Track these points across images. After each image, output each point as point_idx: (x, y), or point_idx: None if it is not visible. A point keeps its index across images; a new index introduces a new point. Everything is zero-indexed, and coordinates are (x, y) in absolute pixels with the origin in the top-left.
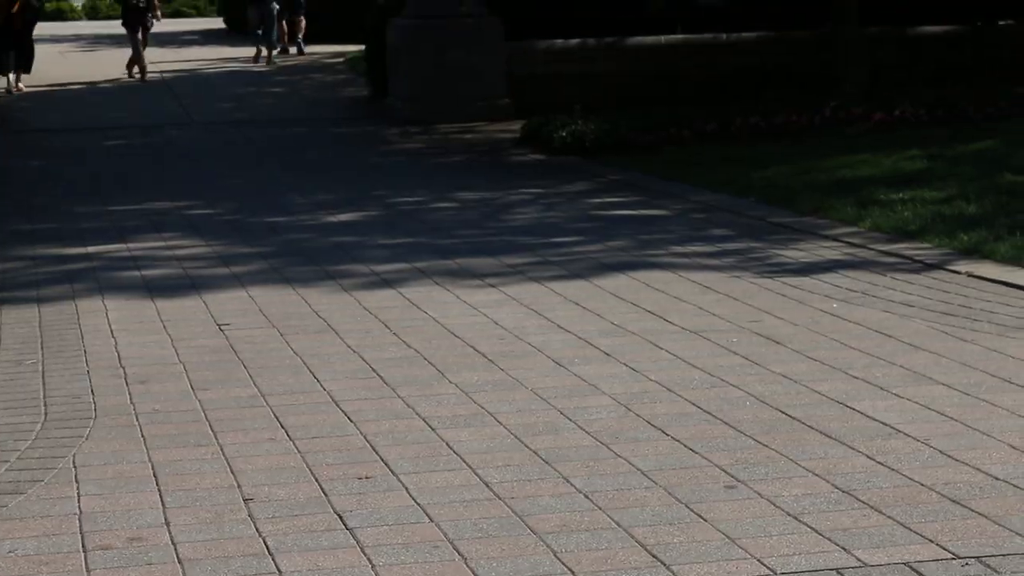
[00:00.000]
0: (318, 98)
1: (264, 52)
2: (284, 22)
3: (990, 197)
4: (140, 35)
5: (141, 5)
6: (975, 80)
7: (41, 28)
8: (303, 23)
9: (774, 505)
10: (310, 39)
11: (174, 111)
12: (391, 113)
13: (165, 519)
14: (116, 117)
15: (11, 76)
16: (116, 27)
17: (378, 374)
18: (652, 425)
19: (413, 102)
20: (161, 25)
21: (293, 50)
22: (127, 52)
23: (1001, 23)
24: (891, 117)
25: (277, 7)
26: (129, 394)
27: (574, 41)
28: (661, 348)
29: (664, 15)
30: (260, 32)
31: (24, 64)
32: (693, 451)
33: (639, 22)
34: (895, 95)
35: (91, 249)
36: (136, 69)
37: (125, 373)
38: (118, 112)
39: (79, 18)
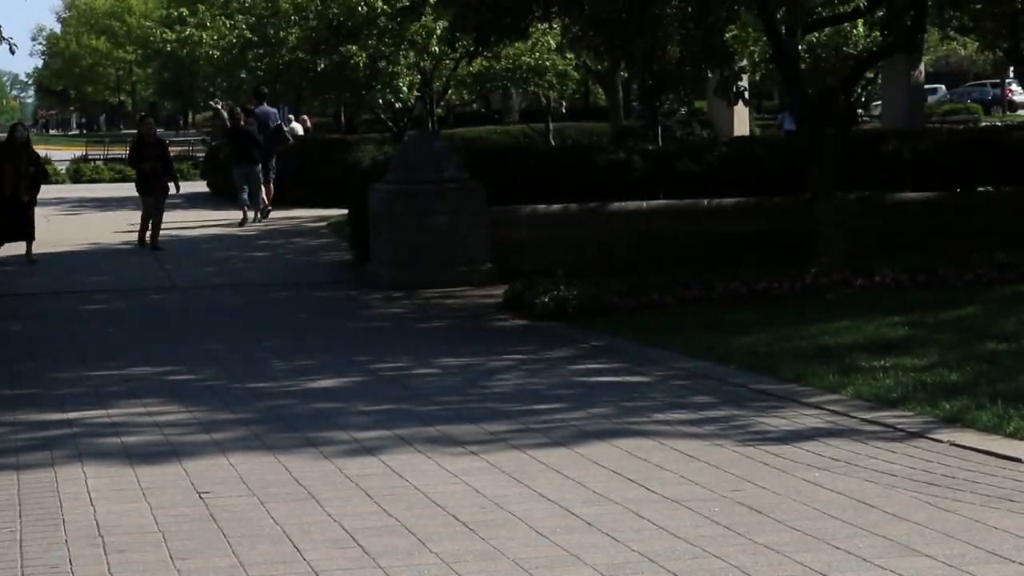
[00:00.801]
0: (300, 262)
1: (251, 215)
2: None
3: (972, 365)
4: (155, 201)
5: (153, 169)
6: (956, 246)
7: None
8: (271, 188)
9: None
10: (294, 203)
11: (157, 275)
12: (373, 278)
13: None
14: (98, 281)
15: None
16: (99, 190)
17: (359, 543)
18: None
19: (395, 267)
20: None
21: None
22: (111, 216)
23: (980, 189)
24: (872, 283)
25: (261, 168)
26: (107, 564)
27: (557, 206)
28: (643, 518)
29: (646, 180)
30: (245, 195)
31: (30, 233)
32: None
33: (621, 187)
34: (876, 260)
35: (71, 415)
36: (148, 235)
37: (104, 542)
38: (101, 276)
39: (63, 181)
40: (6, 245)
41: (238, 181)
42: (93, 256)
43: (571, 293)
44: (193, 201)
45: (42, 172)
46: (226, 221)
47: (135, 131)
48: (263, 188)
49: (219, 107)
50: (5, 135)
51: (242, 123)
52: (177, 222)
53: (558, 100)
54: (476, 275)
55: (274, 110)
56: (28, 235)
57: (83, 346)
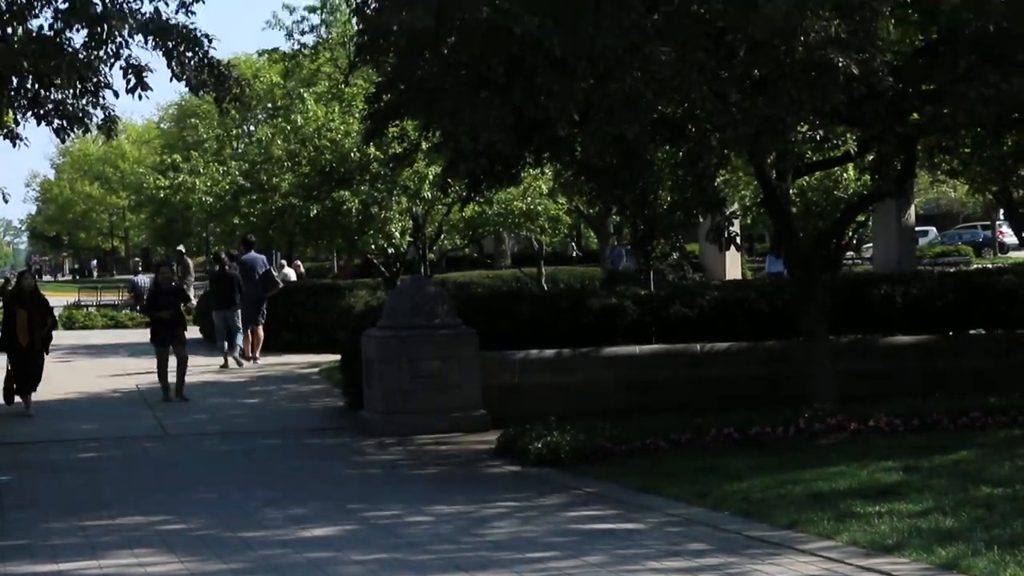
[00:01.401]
0: (293, 409)
1: (231, 360)
2: (250, 331)
3: (967, 510)
4: (172, 349)
5: (171, 318)
6: (949, 389)
7: None
8: (261, 334)
9: None
10: (286, 348)
11: (148, 423)
12: (366, 424)
13: None
14: (90, 429)
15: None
16: (92, 337)
17: None
18: None
19: (388, 414)
20: (139, 335)
21: (254, 361)
22: (103, 363)
23: (972, 332)
24: (866, 427)
25: (240, 313)
26: None
27: (549, 352)
28: None
29: (639, 324)
30: (225, 339)
31: (34, 384)
32: None
33: (614, 331)
34: (870, 404)
35: (62, 566)
36: (172, 390)
37: None
38: (92, 423)
39: (55, 327)
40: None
41: (218, 325)
42: (85, 403)
43: (564, 439)
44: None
45: (52, 319)
46: (217, 367)
47: (129, 277)
48: (254, 334)
49: (181, 251)
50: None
51: (227, 268)
52: (170, 368)
53: (571, 245)
54: (469, 421)
55: (262, 256)
56: (34, 386)
57: (75, 495)
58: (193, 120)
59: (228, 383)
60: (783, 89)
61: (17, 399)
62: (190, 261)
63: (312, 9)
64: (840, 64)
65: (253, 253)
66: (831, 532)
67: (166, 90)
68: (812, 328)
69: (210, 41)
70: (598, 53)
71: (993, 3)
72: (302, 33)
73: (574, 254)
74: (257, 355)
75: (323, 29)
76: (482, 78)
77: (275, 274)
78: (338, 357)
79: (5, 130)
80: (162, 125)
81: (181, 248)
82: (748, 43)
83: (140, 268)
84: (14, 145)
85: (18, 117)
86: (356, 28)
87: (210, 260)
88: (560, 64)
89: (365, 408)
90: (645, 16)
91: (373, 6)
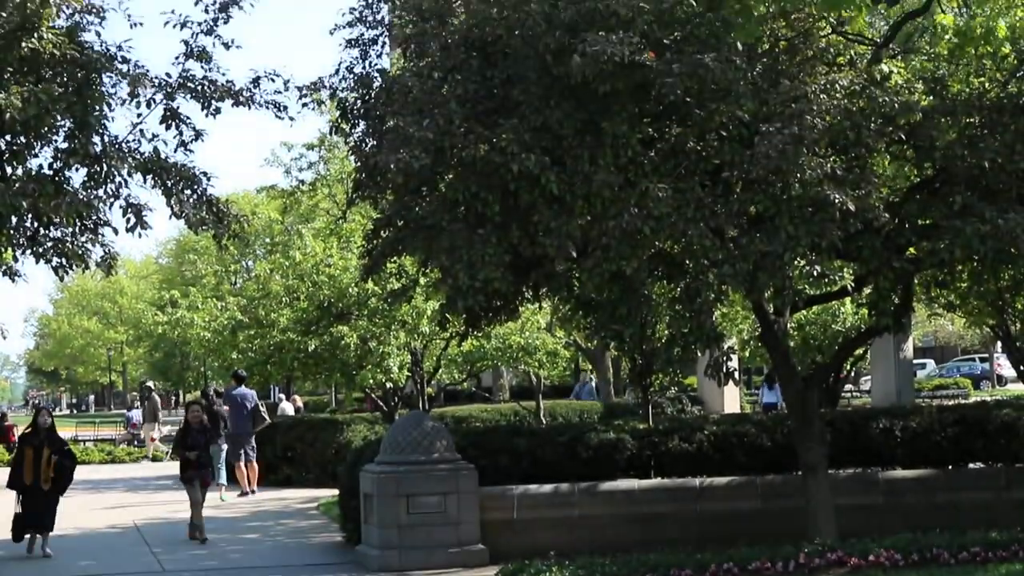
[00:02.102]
0: (291, 544)
1: (217, 494)
2: (243, 465)
3: None
4: (199, 489)
5: (198, 459)
6: (949, 523)
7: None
8: (256, 467)
9: None
10: (284, 483)
11: (146, 560)
12: (364, 560)
13: None
14: (88, 566)
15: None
16: (89, 472)
17: None
18: None
19: (386, 549)
20: (136, 470)
21: (251, 494)
22: (100, 498)
23: (971, 466)
24: (866, 562)
25: (224, 446)
26: None
27: (548, 487)
28: None
29: (638, 458)
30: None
31: (46, 523)
32: None
33: (613, 465)
34: (870, 539)
35: None
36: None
37: None
38: (90, 560)
39: None
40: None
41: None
42: (83, 540)
43: (563, 574)
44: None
45: (70, 458)
46: (213, 503)
47: (124, 411)
48: (249, 468)
49: (150, 387)
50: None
51: (214, 405)
52: (167, 502)
53: (591, 379)
54: (467, 556)
55: (252, 391)
56: (48, 526)
57: None
58: (191, 255)
59: (227, 519)
60: (780, 225)
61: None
62: (158, 399)
63: (310, 147)
64: (836, 200)
65: (244, 388)
66: None
67: (165, 226)
68: (812, 464)
69: (209, 179)
70: (595, 190)
71: (986, 140)
72: (300, 170)
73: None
74: (255, 488)
75: (321, 166)
76: (479, 215)
77: (263, 410)
78: (336, 492)
79: (4, 267)
80: (160, 260)
81: (149, 384)
82: (744, 180)
83: (136, 403)
84: (13, 282)
85: (17, 255)
86: (354, 166)
87: (201, 395)
88: (557, 201)
89: (363, 543)
90: (641, 153)
91: (370, 144)
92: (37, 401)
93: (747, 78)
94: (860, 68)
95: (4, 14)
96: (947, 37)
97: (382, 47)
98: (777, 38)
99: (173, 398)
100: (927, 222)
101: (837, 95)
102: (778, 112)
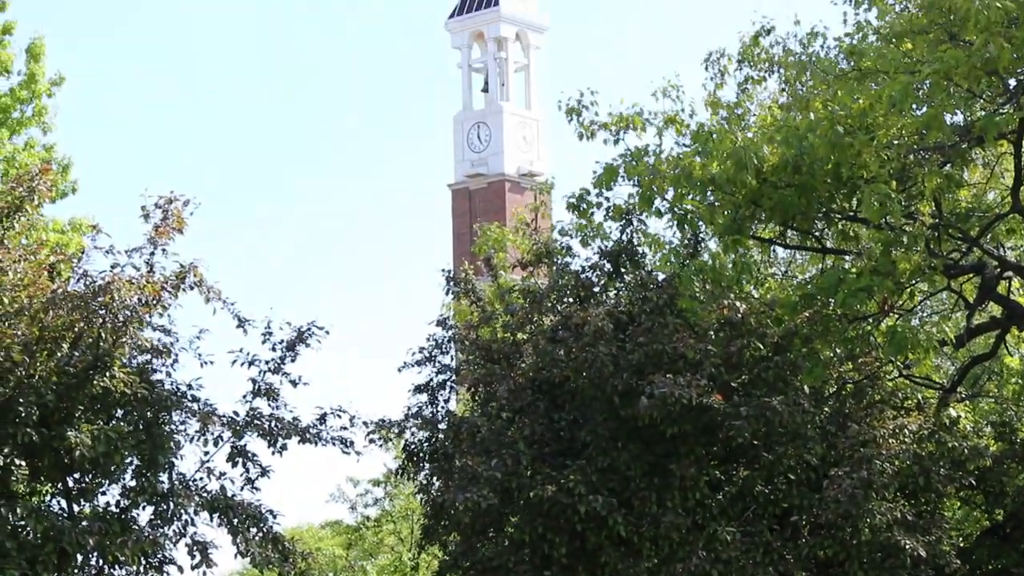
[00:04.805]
0: None
1: None
2: None
3: None
4: None
5: None
6: None
7: None
8: None
9: None
10: None
11: None
12: None
13: None
14: None
15: None
16: None
17: None
18: None
19: None
20: None
21: None
22: None
23: None
24: None
25: None
26: None
27: None
28: None
29: None
30: None
31: None
32: None
33: None
34: None
35: None
36: None
37: None
38: None
39: None
40: None
41: None
42: None
43: None
44: None
45: None
46: None
47: None
48: None
49: None
50: None
51: None
52: None
53: None
54: None
55: None
56: None
57: None
58: None
59: None
60: (850, 571)
61: None
62: None
63: (376, 483)
64: (907, 547)
65: None
66: None
67: (230, 562)
68: None
69: (274, 516)
70: (663, 533)
71: None
72: (366, 505)
73: None
74: None
75: (387, 502)
76: (546, 557)
77: None
78: None
79: None
80: None
81: None
82: (813, 524)
83: None
84: None
85: None
86: (421, 504)
87: None
88: (624, 543)
89: None
90: (709, 495)
91: (437, 485)
92: None
93: (815, 421)
94: (928, 412)
95: (77, 353)
96: (1014, 380)
97: (450, 390)
98: (844, 381)
99: None
100: (999, 567)
101: (906, 439)
102: (847, 456)
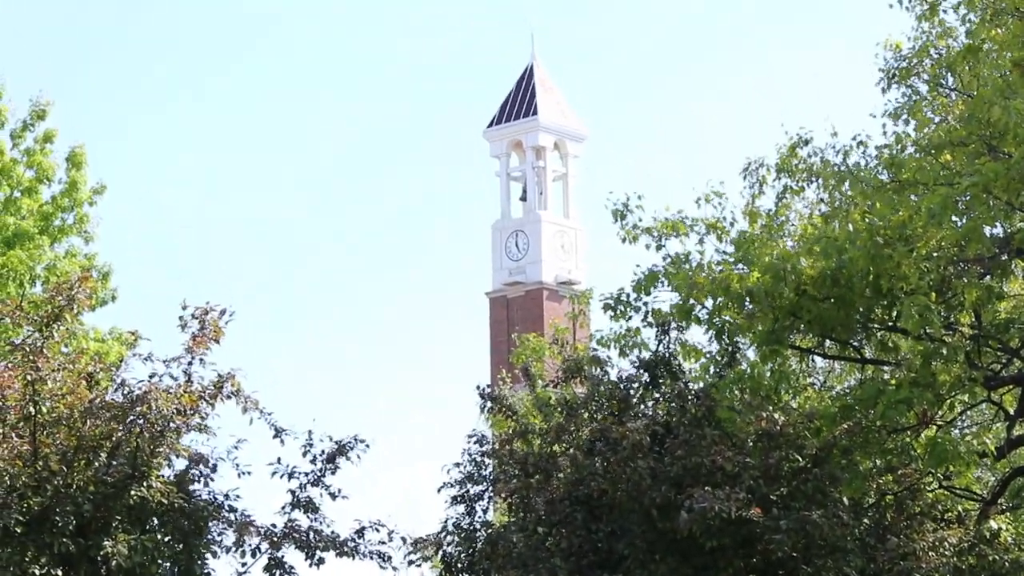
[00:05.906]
0: None
1: None
2: None
3: None
4: None
5: None
6: None
7: None
8: None
9: None
10: None
11: None
12: None
13: None
14: None
15: None
16: None
17: None
18: None
19: None
20: None
21: None
22: None
23: None
24: None
25: None
26: None
27: None
28: None
29: None
30: None
31: None
32: None
33: None
34: None
35: None
36: None
37: None
38: None
39: None
40: None
41: None
42: None
43: None
44: None
45: None
46: None
47: None
48: None
49: None
50: None
51: None
52: None
53: None
54: None
55: None
56: None
57: None
58: None
59: None
60: None
61: None
62: None
63: None
64: None
65: None
66: None
67: None
68: None
69: None
70: None
71: None
72: None
73: None
74: None
75: None
76: None
77: None
78: None
79: None
80: None
81: None
82: None
83: None
84: None
85: None
86: None
87: None
88: None
89: None
90: None
91: None
92: None
93: (854, 534)
94: (969, 524)
95: (115, 463)
96: None
97: (488, 502)
98: (884, 493)
99: None
100: None
101: (946, 552)
102: (886, 569)
